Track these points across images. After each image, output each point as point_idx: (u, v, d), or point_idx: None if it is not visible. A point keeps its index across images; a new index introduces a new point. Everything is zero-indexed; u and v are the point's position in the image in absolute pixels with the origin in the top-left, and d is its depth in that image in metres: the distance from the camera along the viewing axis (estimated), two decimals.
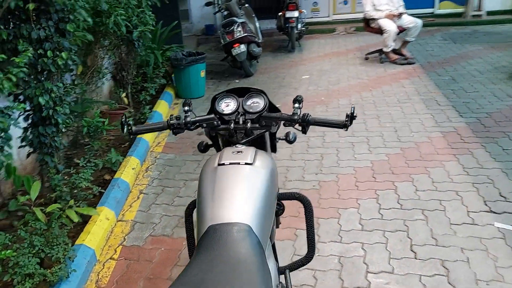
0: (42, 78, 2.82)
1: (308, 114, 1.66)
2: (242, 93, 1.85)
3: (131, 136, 2.38)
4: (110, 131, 4.43)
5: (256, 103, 1.82)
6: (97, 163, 3.40)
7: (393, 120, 4.78)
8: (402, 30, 6.99)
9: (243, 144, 1.76)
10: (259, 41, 7.42)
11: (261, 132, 1.78)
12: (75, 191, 3.08)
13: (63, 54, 2.78)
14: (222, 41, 6.84)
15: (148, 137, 4.48)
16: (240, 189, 1.42)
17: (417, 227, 2.83)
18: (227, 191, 1.42)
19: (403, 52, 7.19)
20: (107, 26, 3.86)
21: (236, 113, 1.77)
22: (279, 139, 1.95)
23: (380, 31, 7.01)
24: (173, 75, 6.29)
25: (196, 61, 5.95)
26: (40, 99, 2.75)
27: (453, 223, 2.85)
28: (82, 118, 3.81)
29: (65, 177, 3.24)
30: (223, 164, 1.52)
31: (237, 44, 6.67)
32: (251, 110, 1.79)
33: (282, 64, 7.82)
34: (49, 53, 2.72)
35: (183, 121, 1.73)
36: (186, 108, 1.77)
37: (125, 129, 1.67)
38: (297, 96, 1.76)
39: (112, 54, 4.57)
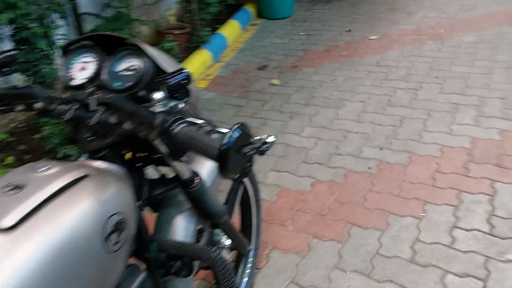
0: None
1: (177, 118, 0.76)
2: (113, 46, 0.97)
3: None
4: None
5: (132, 70, 0.94)
6: None
7: None
8: None
9: (95, 154, 0.93)
10: None
11: (122, 135, 0.91)
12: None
13: None
14: None
15: (193, 67, 3.74)
16: None
17: (506, 277, 1.71)
18: None
19: None
20: None
21: (91, 87, 0.93)
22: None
23: None
24: None
25: None
26: (3, 16, 2.16)
27: None
28: None
29: None
30: None
31: None
32: (116, 85, 0.93)
33: None
34: None
35: None
36: None
37: None
38: (177, 72, 0.83)
39: None
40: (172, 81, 0.83)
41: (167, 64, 0.96)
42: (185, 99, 0.89)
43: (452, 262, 1.80)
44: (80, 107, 0.90)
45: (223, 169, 0.66)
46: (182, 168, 1.05)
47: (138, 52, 0.92)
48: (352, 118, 2.94)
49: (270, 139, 0.83)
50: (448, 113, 2.89)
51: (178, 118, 0.76)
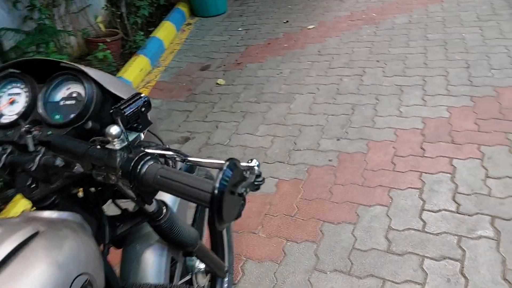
0: None
1: (142, 155, 0.65)
2: (46, 72, 0.82)
3: None
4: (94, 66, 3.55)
5: (73, 99, 0.81)
6: None
7: (466, 49, 3.40)
8: None
9: (42, 202, 0.79)
10: None
11: (68, 178, 0.77)
12: None
13: None
14: None
15: (131, 75, 3.53)
16: None
17: (479, 254, 1.75)
18: None
19: None
20: None
21: (26, 124, 0.78)
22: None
23: None
24: None
25: None
26: None
27: None
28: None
29: None
30: None
31: None
32: (56, 119, 0.79)
33: None
34: None
35: None
36: None
37: None
38: (133, 98, 0.72)
39: None
40: (129, 110, 0.71)
41: (117, 87, 0.83)
42: (145, 128, 0.78)
43: (427, 247, 1.81)
44: (15, 150, 0.75)
45: (219, 218, 0.56)
46: None
47: (79, 76, 0.77)
48: (304, 111, 2.91)
49: (253, 163, 0.73)
50: (395, 95, 2.94)
51: (143, 154, 0.64)
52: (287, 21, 4.61)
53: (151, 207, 0.91)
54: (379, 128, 2.61)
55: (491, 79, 2.93)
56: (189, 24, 4.91)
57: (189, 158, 0.76)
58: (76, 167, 0.73)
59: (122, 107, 0.71)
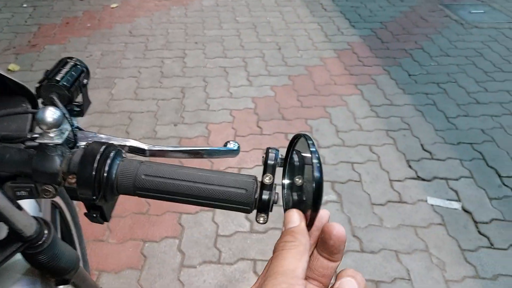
0: None
1: (106, 148, 0.44)
2: None
3: None
4: None
5: None
6: None
7: (274, 31, 3.64)
8: None
9: None
10: None
11: None
12: None
13: None
14: None
15: None
16: None
17: (330, 218, 1.89)
18: None
19: None
20: None
21: None
22: None
23: None
24: None
25: None
26: None
27: (375, 203, 1.98)
28: None
29: None
30: None
31: None
32: None
33: None
34: None
35: None
36: None
37: None
38: (54, 71, 0.50)
39: None
40: (68, 81, 0.48)
41: None
42: (86, 110, 0.55)
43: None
44: None
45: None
46: (22, 219, 0.62)
47: None
48: (130, 97, 2.63)
49: (232, 145, 0.56)
50: (221, 77, 2.93)
51: (106, 147, 0.41)
52: None
53: (30, 229, 0.61)
54: (215, 110, 2.56)
55: (301, 59, 3.21)
56: None
57: (163, 148, 0.55)
58: None
59: (56, 78, 0.47)
